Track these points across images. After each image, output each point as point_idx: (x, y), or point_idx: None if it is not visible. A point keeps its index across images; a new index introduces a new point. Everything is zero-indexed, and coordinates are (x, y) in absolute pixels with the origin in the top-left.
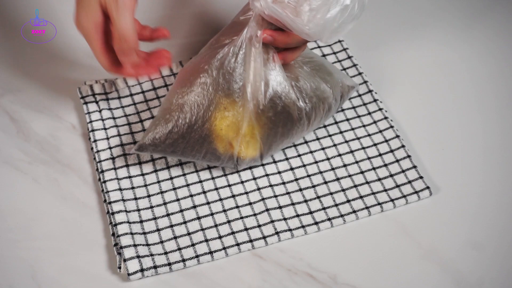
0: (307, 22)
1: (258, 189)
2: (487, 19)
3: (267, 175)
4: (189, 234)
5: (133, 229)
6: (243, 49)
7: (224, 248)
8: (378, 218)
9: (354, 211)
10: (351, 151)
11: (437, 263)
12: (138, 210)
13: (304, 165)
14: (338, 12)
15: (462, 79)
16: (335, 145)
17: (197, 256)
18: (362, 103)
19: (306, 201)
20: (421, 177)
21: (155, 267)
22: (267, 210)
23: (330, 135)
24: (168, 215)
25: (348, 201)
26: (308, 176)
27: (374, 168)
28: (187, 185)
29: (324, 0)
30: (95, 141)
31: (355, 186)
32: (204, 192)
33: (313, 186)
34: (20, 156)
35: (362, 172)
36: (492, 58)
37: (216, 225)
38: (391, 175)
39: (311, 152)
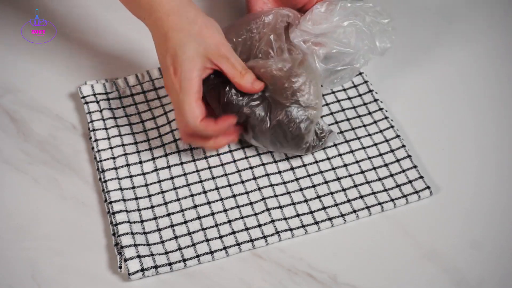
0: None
1: (259, 188)
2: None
3: (267, 174)
4: (189, 233)
5: (134, 228)
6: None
7: (224, 248)
8: (378, 218)
9: (355, 211)
10: (352, 151)
11: (437, 263)
12: (139, 209)
13: (304, 165)
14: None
15: (463, 79)
16: (335, 144)
17: (197, 256)
18: (362, 102)
19: (306, 200)
20: (421, 177)
21: (155, 266)
22: (268, 209)
23: None
24: (168, 214)
25: (349, 200)
26: (309, 175)
27: (374, 168)
28: (188, 185)
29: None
30: (96, 140)
31: (356, 185)
32: (205, 192)
33: (314, 186)
34: (20, 156)
35: (362, 172)
36: (491, 59)
37: (216, 225)
38: (392, 175)
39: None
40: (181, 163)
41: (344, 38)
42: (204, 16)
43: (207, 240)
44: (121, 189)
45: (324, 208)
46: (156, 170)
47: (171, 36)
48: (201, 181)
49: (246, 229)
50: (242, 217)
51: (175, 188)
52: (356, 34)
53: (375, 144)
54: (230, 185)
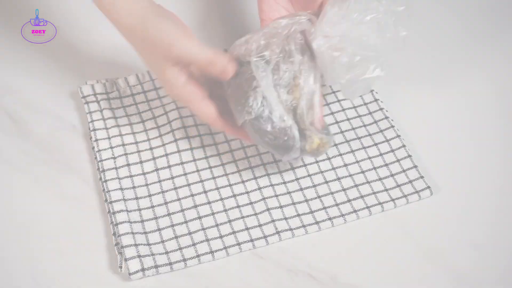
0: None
1: (259, 188)
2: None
3: (267, 174)
4: (190, 233)
5: (134, 228)
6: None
7: (225, 248)
8: (378, 218)
9: (355, 211)
10: (352, 151)
11: (437, 263)
12: (139, 209)
13: (305, 165)
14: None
15: (463, 78)
16: (335, 144)
17: (198, 256)
18: (363, 102)
19: (307, 200)
20: (421, 177)
21: (156, 266)
22: (268, 209)
23: None
24: (169, 214)
25: (349, 200)
26: (309, 175)
27: (375, 168)
28: (188, 185)
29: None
30: (96, 140)
31: (356, 185)
32: (205, 192)
33: (314, 186)
34: (20, 156)
35: (363, 172)
36: (491, 58)
37: (217, 225)
38: (392, 175)
39: None
40: (182, 163)
41: (364, 36)
42: None
43: (207, 240)
44: (121, 189)
45: (325, 208)
46: (157, 170)
47: (176, 45)
48: (201, 181)
49: (247, 229)
50: (242, 217)
51: (175, 188)
52: (377, 28)
53: (376, 144)
54: (230, 185)
